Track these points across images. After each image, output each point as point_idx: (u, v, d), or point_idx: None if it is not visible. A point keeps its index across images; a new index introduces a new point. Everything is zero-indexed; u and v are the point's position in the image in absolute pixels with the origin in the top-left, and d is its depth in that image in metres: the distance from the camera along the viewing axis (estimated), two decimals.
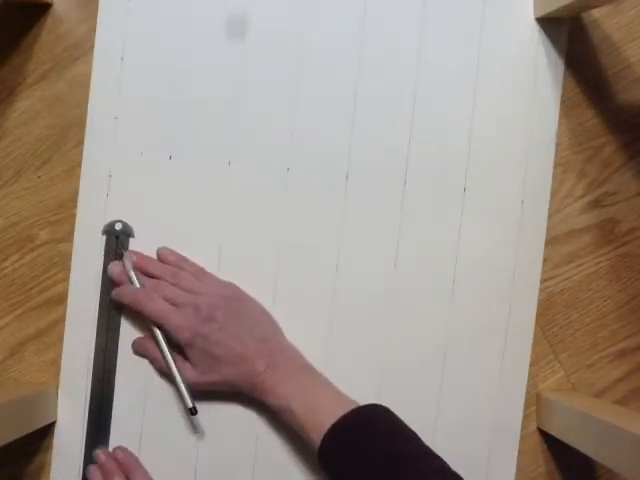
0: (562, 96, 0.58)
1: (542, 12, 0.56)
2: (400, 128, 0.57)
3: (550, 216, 0.57)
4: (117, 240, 0.56)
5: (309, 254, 0.57)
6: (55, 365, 0.57)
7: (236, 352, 0.52)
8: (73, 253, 0.57)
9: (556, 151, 0.58)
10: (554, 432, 0.54)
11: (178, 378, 0.53)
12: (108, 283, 0.56)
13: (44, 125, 0.58)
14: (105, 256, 0.56)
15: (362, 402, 0.50)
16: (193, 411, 0.53)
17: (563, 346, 0.58)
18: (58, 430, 0.56)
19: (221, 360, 0.52)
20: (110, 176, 0.57)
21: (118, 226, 0.56)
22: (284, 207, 0.57)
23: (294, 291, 0.57)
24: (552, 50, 0.57)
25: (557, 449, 0.56)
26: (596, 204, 0.58)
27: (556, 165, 0.58)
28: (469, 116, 0.57)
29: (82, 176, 0.57)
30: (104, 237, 0.56)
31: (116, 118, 0.57)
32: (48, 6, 0.58)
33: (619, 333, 0.58)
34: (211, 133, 0.57)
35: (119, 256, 0.56)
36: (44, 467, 0.57)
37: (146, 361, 0.56)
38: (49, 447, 0.57)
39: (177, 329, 0.52)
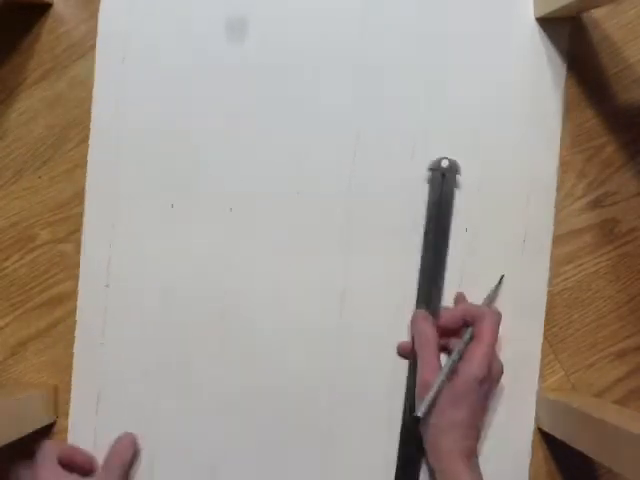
0: (562, 96, 0.58)
1: (542, 12, 0.56)
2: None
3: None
4: (443, 178, 0.55)
5: (314, 298, 0.57)
6: (55, 365, 0.57)
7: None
8: (81, 255, 0.57)
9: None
10: (554, 432, 0.54)
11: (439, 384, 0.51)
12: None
13: (44, 125, 0.58)
14: (430, 194, 0.56)
15: None
16: (417, 418, 0.51)
17: (563, 346, 0.58)
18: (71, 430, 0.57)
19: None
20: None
21: (444, 163, 0.56)
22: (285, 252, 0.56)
23: (300, 332, 0.57)
24: (553, 50, 0.57)
25: (557, 449, 0.56)
26: (596, 204, 0.58)
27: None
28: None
29: (88, 175, 0.57)
30: (428, 173, 0.56)
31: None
32: (48, 6, 0.58)
33: (619, 333, 0.58)
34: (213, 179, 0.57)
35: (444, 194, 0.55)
36: None
37: None
38: None
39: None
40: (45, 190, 0.58)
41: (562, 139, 0.58)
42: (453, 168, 0.56)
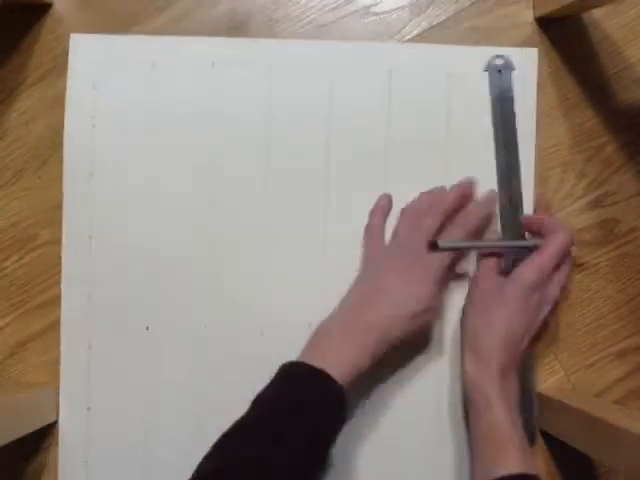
0: (562, 96, 0.58)
1: (542, 12, 0.56)
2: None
3: (550, 216, 0.57)
4: (500, 74, 0.56)
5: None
6: (55, 365, 0.57)
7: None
8: (63, 258, 0.57)
9: (556, 151, 0.58)
10: (554, 432, 0.54)
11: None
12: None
13: (44, 125, 0.58)
14: (491, 90, 0.56)
15: None
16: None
17: (563, 346, 0.57)
18: (61, 431, 0.57)
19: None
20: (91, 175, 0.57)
21: (499, 61, 0.56)
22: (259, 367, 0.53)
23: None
24: (552, 51, 0.57)
25: (557, 449, 0.56)
26: (596, 204, 0.58)
27: (556, 165, 0.58)
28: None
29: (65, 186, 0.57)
30: (485, 73, 0.56)
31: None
32: (48, 6, 0.58)
33: (619, 333, 0.58)
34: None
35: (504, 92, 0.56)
36: (44, 467, 0.57)
37: None
38: (49, 447, 0.57)
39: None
40: (45, 190, 0.58)
41: (562, 139, 0.58)
42: (508, 65, 0.56)
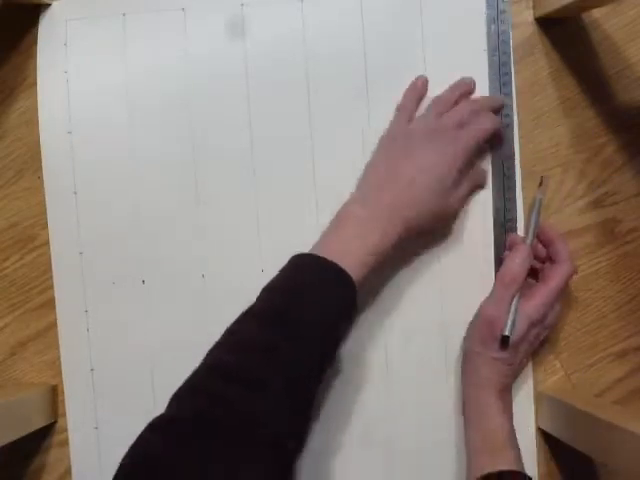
0: (562, 96, 0.58)
1: (542, 12, 0.56)
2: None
3: (550, 216, 0.57)
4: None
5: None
6: (55, 365, 0.57)
7: None
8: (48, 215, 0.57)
9: (556, 151, 0.58)
10: (554, 432, 0.54)
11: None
12: None
13: None
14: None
15: None
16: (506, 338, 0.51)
17: (563, 346, 0.57)
18: (67, 395, 0.57)
19: None
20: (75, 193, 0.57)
21: None
22: None
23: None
24: (552, 51, 0.57)
25: (557, 449, 0.56)
26: (596, 204, 0.58)
27: (556, 165, 0.58)
28: None
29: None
30: None
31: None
32: (48, 6, 0.58)
33: (619, 333, 0.58)
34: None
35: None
36: (44, 467, 0.57)
37: None
38: (49, 447, 0.57)
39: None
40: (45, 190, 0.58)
41: (562, 139, 0.58)
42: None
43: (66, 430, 0.57)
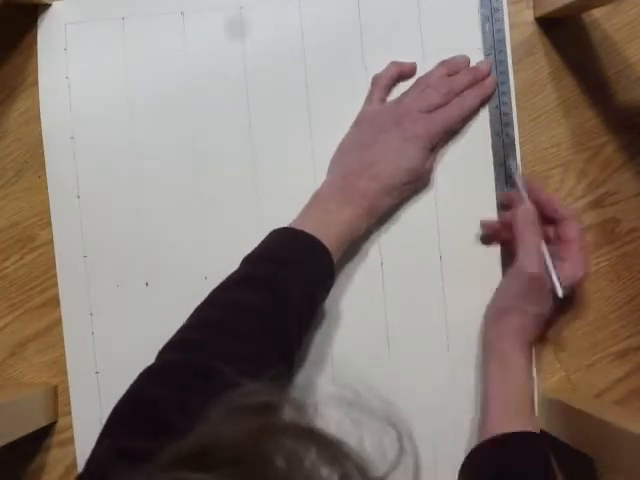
0: (562, 96, 0.58)
1: (542, 12, 0.56)
2: None
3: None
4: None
5: None
6: (56, 365, 0.57)
7: None
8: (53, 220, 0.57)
9: (556, 151, 0.58)
10: (554, 432, 0.54)
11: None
12: None
13: None
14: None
15: None
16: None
17: (563, 346, 0.57)
18: (73, 397, 0.57)
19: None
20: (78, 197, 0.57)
21: None
22: None
23: None
24: (552, 51, 0.57)
25: (557, 449, 0.56)
26: (597, 204, 0.58)
27: (556, 165, 0.58)
28: None
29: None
30: None
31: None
32: (48, 6, 0.58)
33: (619, 333, 0.58)
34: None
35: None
36: (44, 467, 0.57)
37: None
38: (49, 447, 0.57)
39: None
40: (45, 190, 0.58)
41: (562, 139, 0.58)
42: None
43: (66, 430, 0.57)
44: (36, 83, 0.57)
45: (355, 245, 0.55)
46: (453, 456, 0.53)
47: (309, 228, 0.49)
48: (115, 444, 0.38)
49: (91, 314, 0.57)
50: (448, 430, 0.56)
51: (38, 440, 0.56)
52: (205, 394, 0.40)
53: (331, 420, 0.28)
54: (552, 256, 0.52)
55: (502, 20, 0.57)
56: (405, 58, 0.57)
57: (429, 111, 0.53)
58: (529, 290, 0.51)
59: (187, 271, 0.57)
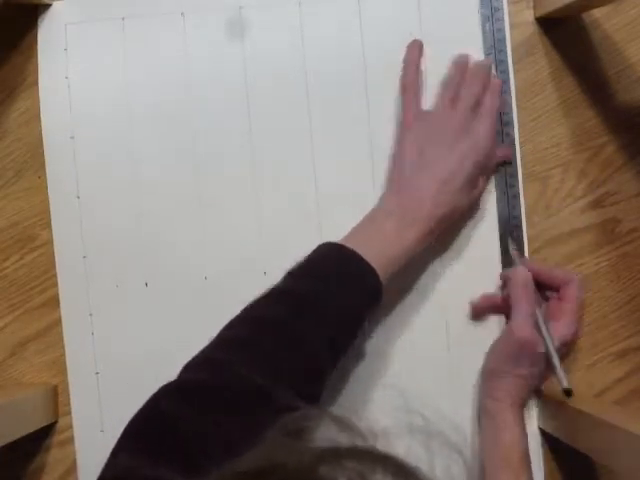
0: (562, 96, 0.58)
1: (542, 12, 0.56)
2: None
3: (551, 216, 0.57)
4: None
5: None
6: (56, 365, 0.57)
7: None
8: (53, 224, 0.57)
9: (556, 151, 0.58)
10: (554, 432, 0.54)
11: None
12: None
13: None
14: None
15: None
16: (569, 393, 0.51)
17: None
18: (73, 396, 0.57)
19: None
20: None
21: None
22: None
23: None
24: (552, 51, 0.57)
25: (557, 449, 0.56)
26: (597, 204, 0.58)
27: (556, 165, 0.58)
28: None
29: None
30: None
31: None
32: (48, 6, 0.58)
33: (619, 333, 0.58)
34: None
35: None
36: (44, 467, 0.57)
37: None
38: (49, 447, 0.57)
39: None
40: (45, 190, 0.58)
41: (562, 139, 0.58)
42: None
43: (66, 430, 0.57)
44: (36, 83, 0.58)
45: None
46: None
47: (359, 247, 0.48)
48: (134, 460, 0.37)
49: (91, 314, 0.57)
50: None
51: (38, 440, 0.56)
52: (226, 414, 0.40)
53: (398, 445, 0.28)
54: (545, 315, 0.52)
55: (502, 20, 0.57)
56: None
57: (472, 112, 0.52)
58: (520, 354, 0.51)
59: (186, 271, 0.57)
